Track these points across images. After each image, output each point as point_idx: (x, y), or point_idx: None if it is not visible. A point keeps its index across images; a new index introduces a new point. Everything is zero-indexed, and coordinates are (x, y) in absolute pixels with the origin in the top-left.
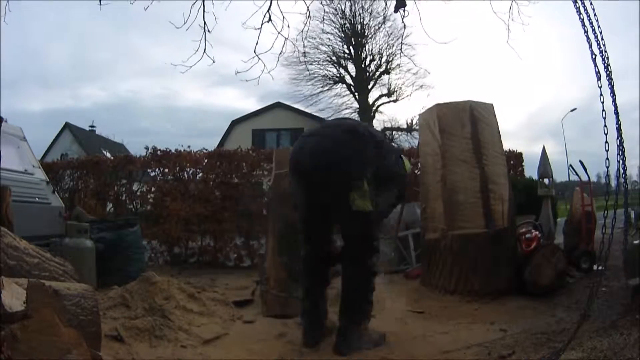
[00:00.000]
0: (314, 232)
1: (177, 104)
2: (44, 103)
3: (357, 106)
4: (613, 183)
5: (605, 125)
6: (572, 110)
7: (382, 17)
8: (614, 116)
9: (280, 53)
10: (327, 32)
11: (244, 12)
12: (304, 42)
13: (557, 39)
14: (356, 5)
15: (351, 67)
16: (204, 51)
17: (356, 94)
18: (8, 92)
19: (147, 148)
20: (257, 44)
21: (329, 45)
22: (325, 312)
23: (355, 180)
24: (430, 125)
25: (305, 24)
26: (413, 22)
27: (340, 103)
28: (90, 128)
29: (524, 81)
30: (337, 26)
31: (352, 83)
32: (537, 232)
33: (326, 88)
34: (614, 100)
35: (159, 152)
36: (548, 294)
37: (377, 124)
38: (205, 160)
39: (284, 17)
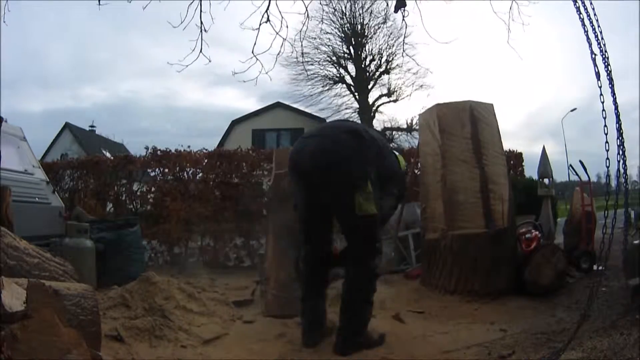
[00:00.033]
0: (314, 233)
1: (177, 104)
2: (44, 103)
3: (357, 106)
4: (613, 183)
5: (605, 126)
6: (572, 110)
7: (383, 17)
8: (614, 116)
9: (279, 53)
10: (327, 32)
11: (244, 13)
12: (301, 42)
13: (557, 39)
14: (356, 5)
15: (351, 67)
16: (200, 51)
17: (356, 94)
18: (8, 92)
19: (147, 148)
20: (255, 44)
21: (329, 46)
22: (325, 312)
23: (357, 180)
24: (430, 125)
25: (304, 24)
26: (413, 22)
27: (340, 103)
28: (90, 128)
29: (524, 81)
30: (337, 26)
31: (352, 83)
32: (537, 232)
33: (326, 88)
34: (614, 100)
35: (159, 152)
36: (548, 294)
37: (377, 124)
38: (205, 160)
39: (282, 18)
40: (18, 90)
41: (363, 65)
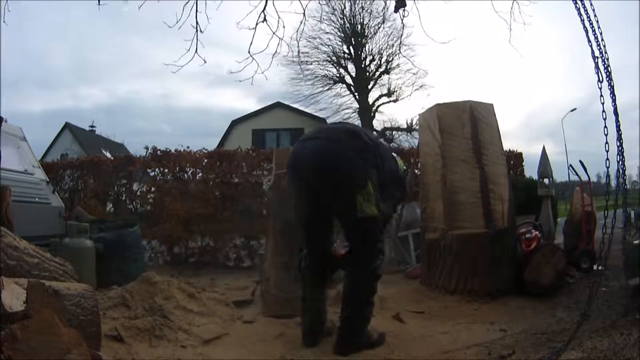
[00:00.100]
0: (314, 233)
1: (178, 104)
2: (44, 103)
3: (357, 106)
4: (613, 183)
5: (605, 126)
6: (572, 110)
7: (382, 17)
8: (614, 116)
9: (275, 53)
10: (327, 32)
11: (243, 13)
12: (298, 42)
13: (556, 39)
14: (356, 5)
15: (351, 67)
16: (196, 51)
17: (356, 94)
18: (8, 92)
19: (147, 148)
20: (251, 44)
21: (328, 45)
22: (325, 313)
23: (358, 181)
24: (430, 125)
25: (301, 23)
26: (413, 22)
27: (340, 103)
28: (90, 128)
29: (523, 81)
30: (337, 26)
31: (352, 83)
32: (537, 232)
33: (326, 88)
34: (614, 101)
35: (159, 152)
36: (548, 294)
37: (377, 124)
38: (205, 160)
39: (279, 17)
40: (18, 91)
41: (363, 65)
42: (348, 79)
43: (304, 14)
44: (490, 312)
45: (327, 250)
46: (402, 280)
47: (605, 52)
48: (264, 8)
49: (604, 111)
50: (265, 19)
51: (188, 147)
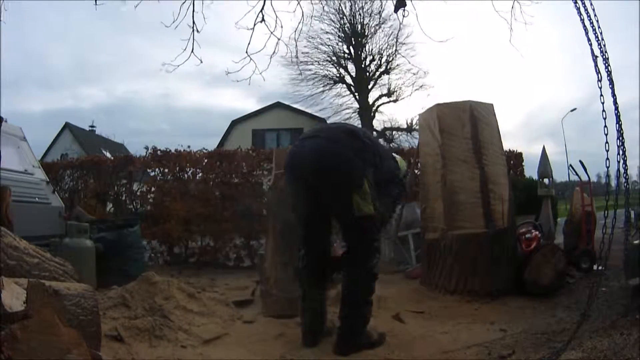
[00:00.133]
0: (313, 234)
1: (178, 104)
2: (44, 103)
3: (357, 106)
4: (613, 183)
5: (605, 126)
6: (572, 110)
7: (380, 16)
8: (614, 116)
9: (273, 53)
10: (327, 32)
11: (241, 13)
12: (296, 42)
13: (557, 39)
14: (356, 5)
15: (351, 67)
16: (192, 51)
17: (356, 94)
18: (9, 92)
19: (147, 148)
20: (249, 44)
21: (328, 45)
22: (325, 313)
23: (355, 180)
24: (430, 125)
25: (300, 22)
26: (413, 21)
27: (340, 103)
28: (90, 128)
29: (523, 81)
30: (337, 26)
31: (352, 83)
32: (537, 232)
33: (326, 88)
34: (615, 101)
35: (159, 152)
36: (548, 294)
37: (377, 124)
38: (205, 160)
39: (277, 17)
40: (18, 91)
41: (363, 65)
42: (348, 79)
43: (302, 15)
44: (490, 312)
45: (326, 251)
46: (402, 280)
47: (606, 52)
48: (262, 8)
49: (604, 111)
50: (263, 19)
51: (188, 147)
